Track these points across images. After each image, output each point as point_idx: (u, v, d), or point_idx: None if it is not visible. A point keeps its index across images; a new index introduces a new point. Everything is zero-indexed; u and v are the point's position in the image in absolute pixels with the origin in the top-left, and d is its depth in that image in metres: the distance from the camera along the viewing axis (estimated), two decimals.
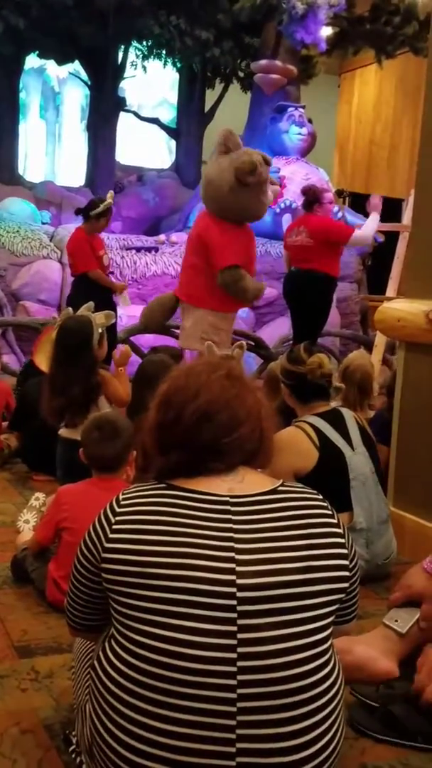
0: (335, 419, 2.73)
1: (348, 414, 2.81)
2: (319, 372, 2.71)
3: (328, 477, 2.57)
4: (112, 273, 5.78)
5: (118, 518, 1.34)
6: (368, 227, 5.51)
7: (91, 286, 5.30)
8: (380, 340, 6.40)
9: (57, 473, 3.26)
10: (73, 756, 1.59)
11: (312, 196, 5.45)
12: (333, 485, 2.54)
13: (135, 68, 9.61)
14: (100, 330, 3.32)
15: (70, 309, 4.09)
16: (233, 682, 1.24)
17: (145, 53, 9.42)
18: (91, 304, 3.63)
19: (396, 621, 1.92)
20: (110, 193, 5.55)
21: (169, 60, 9.62)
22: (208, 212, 4.32)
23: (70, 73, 10.16)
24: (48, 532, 2.43)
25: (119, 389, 3.32)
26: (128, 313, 6.56)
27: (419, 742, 1.73)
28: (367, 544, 2.64)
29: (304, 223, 5.45)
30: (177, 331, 5.67)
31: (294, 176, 8.39)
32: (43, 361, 3.95)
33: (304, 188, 5.73)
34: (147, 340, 6.27)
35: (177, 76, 10.27)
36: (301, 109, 8.83)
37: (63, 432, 3.19)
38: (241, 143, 4.27)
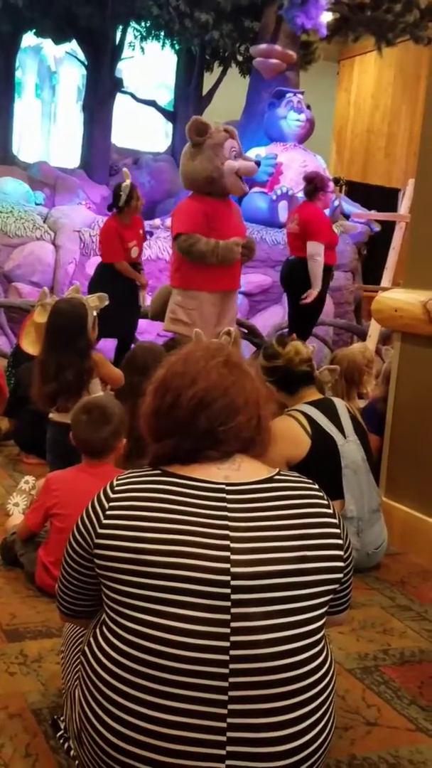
0: (327, 408, 2.73)
1: (340, 403, 2.81)
2: (298, 359, 2.71)
3: (320, 465, 2.56)
4: (142, 268, 5.58)
5: (112, 504, 1.33)
6: (318, 273, 5.28)
7: (115, 275, 5.24)
8: (374, 331, 6.38)
9: (47, 457, 3.24)
10: (61, 741, 1.58)
11: (319, 183, 5.42)
12: (325, 473, 2.52)
13: (133, 49, 9.50)
14: (95, 313, 3.29)
15: (47, 289, 4.09)
16: (225, 670, 1.23)
17: (144, 34, 9.30)
18: (78, 286, 3.64)
19: None
20: (125, 172, 5.41)
21: (167, 42, 9.51)
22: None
23: (66, 52, 10.04)
24: (37, 518, 2.42)
25: (113, 370, 3.29)
26: None
27: None
28: (358, 533, 2.63)
29: (299, 211, 5.48)
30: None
31: (291, 163, 8.33)
32: (28, 345, 3.92)
33: (310, 174, 5.68)
34: (142, 325, 6.22)
35: (175, 58, 10.16)
36: (300, 95, 8.75)
37: (53, 416, 3.17)
38: None
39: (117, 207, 5.23)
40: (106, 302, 3.40)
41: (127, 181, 5.21)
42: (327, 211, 6.03)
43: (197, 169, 4.23)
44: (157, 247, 7.58)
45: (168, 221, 8.15)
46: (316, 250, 5.26)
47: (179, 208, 4.36)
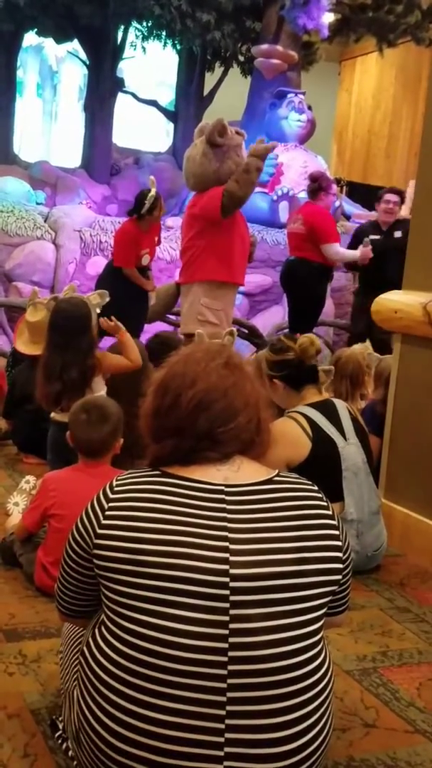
0: (328, 410, 2.72)
1: (341, 405, 2.80)
2: (313, 349, 2.69)
3: (321, 467, 2.55)
4: (149, 270, 5.54)
5: (111, 504, 1.33)
6: (350, 253, 5.42)
7: (124, 278, 5.23)
8: None
9: (47, 456, 3.24)
10: (60, 741, 1.59)
11: (323, 183, 5.40)
12: (325, 476, 2.52)
13: (134, 49, 9.50)
14: (98, 310, 3.28)
15: (37, 289, 4.06)
16: (224, 671, 1.23)
17: (145, 34, 9.30)
18: (74, 285, 3.64)
19: None
20: (151, 180, 5.39)
21: (169, 41, 9.51)
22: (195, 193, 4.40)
23: (68, 52, 10.04)
24: (35, 518, 2.41)
25: (121, 360, 3.25)
26: None
27: None
28: (358, 535, 2.63)
29: (302, 212, 5.46)
30: (171, 317, 5.64)
31: (292, 163, 8.33)
32: (22, 345, 3.91)
33: (315, 173, 5.67)
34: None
35: (177, 58, 10.16)
36: (301, 96, 8.76)
37: (55, 415, 3.17)
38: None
39: (138, 214, 5.21)
40: (107, 299, 3.39)
41: (153, 191, 5.17)
42: None
43: (223, 170, 4.18)
44: (156, 248, 7.57)
45: (168, 221, 8.17)
46: (333, 251, 5.27)
47: (207, 198, 4.20)
